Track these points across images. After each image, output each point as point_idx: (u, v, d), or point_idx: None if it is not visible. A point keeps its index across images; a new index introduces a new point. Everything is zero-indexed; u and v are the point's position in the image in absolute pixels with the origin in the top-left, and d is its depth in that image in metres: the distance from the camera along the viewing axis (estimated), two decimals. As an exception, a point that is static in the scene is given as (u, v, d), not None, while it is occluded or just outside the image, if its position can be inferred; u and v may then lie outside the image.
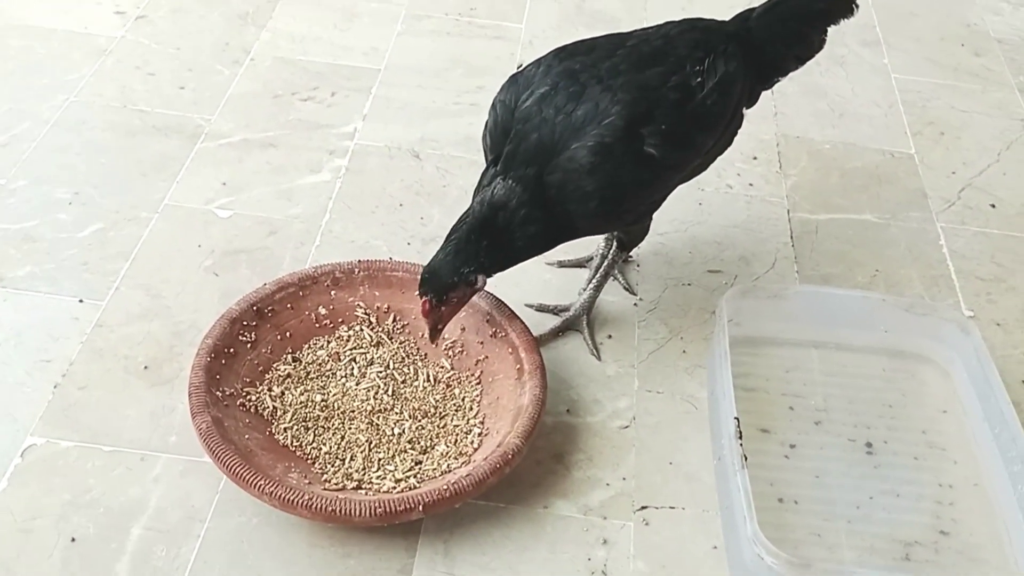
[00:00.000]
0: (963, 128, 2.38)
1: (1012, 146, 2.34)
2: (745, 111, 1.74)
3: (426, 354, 1.70)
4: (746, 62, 1.65)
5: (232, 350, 1.62)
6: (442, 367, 1.68)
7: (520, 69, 1.67)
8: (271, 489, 1.41)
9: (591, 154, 1.52)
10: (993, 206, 2.17)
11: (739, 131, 1.76)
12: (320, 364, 1.67)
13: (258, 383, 1.62)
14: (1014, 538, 1.49)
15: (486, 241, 1.54)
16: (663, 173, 1.62)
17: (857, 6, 1.77)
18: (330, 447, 1.55)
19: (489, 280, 1.62)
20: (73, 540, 1.44)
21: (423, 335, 1.71)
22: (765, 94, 2.29)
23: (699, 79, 1.59)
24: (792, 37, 1.74)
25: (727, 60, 1.62)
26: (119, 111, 2.21)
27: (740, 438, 1.47)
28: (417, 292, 1.57)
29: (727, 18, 1.76)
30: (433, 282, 1.55)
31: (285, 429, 1.57)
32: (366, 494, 1.48)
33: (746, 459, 1.44)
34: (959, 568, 1.48)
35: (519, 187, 1.54)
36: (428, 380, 1.66)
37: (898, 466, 1.60)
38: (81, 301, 1.79)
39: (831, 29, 1.80)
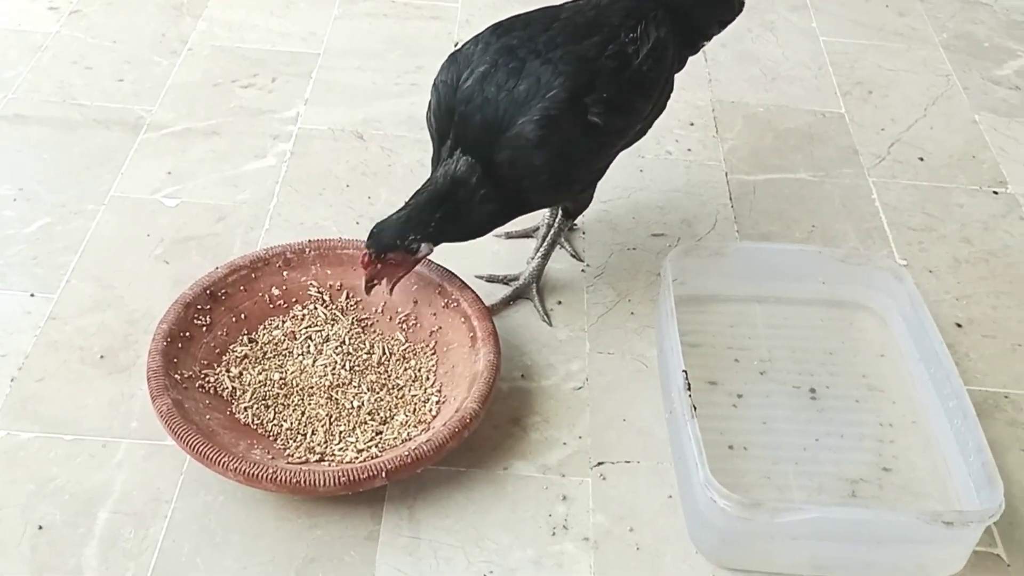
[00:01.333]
0: (890, 86, 2.46)
1: (937, 101, 2.42)
2: (676, 75, 1.79)
3: (381, 329, 1.73)
4: (674, 27, 1.70)
5: (188, 334, 1.64)
6: (397, 340, 1.72)
7: (458, 47, 1.70)
8: (235, 465, 1.43)
9: (538, 127, 1.56)
10: (921, 159, 2.25)
11: (672, 96, 1.80)
12: (276, 344, 1.70)
13: (216, 365, 1.64)
14: (952, 470, 1.56)
15: (440, 213, 1.58)
16: (608, 140, 1.67)
17: None
18: (291, 423, 1.58)
19: (439, 253, 1.66)
20: (40, 528, 1.46)
21: (377, 310, 1.74)
22: (700, 62, 2.35)
23: (634, 47, 1.64)
24: (715, 1, 1.78)
25: (658, 26, 1.66)
26: (59, 106, 2.21)
27: (689, 390, 1.52)
28: (365, 244, 1.61)
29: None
30: (377, 238, 1.59)
31: (245, 408, 1.59)
32: (329, 465, 1.51)
33: (695, 409, 1.49)
34: (903, 501, 1.54)
35: (478, 164, 1.58)
36: (384, 353, 1.69)
37: (841, 409, 1.67)
38: (32, 295, 1.79)
39: (759, -6, 1.85)
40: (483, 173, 1.57)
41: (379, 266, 1.61)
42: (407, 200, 1.61)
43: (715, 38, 1.85)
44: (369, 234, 1.59)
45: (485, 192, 1.58)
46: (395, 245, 1.58)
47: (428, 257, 1.65)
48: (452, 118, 1.61)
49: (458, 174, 1.58)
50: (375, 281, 1.63)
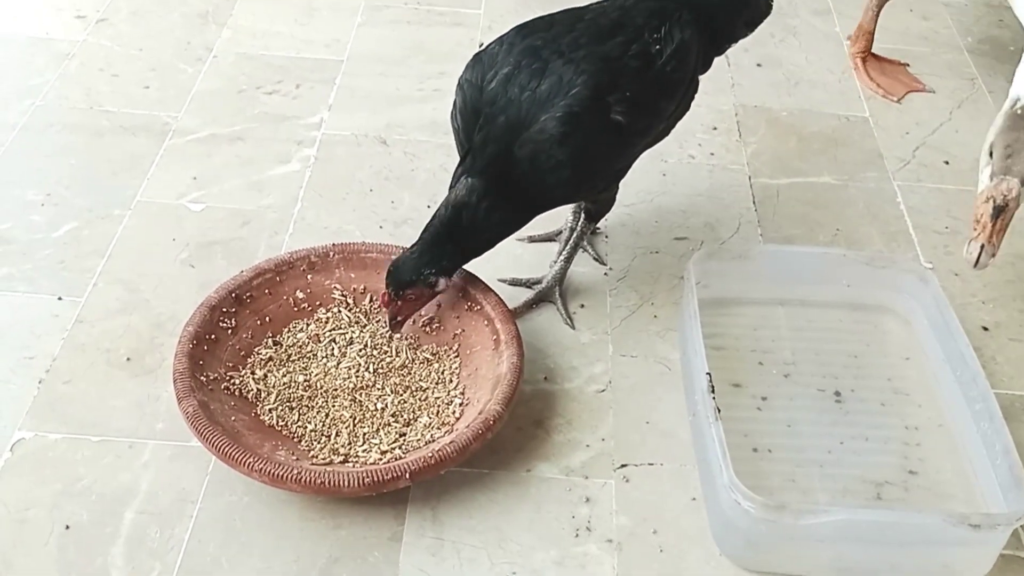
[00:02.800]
0: (915, 90, 2.45)
1: (963, 104, 2.41)
2: (700, 77, 1.79)
3: (404, 332, 1.74)
4: (699, 29, 1.70)
5: (213, 336, 1.65)
6: (420, 342, 1.72)
7: (483, 48, 1.71)
8: (260, 466, 1.44)
9: (561, 124, 1.56)
10: (947, 163, 2.24)
11: (696, 97, 1.80)
12: (301, 346, 1.70)
13: (241, 367, 1.65)
14: (979, 473, 1.54)
15: (451, 245, 1.61)
16: (630, 139, 1.67)
17: None
18: (315, 425, 1.59)
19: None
20: (67, 527, 1.47)
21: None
22: (722, 66, 2.35)
23: (658, 47, 1.64)
24: (740, 2, 1.78)
25: (682, 27, 1.67)
26: (86, 113, 2.23)
27: (712, 392, 1.52)
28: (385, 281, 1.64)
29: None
30: (395, 276, 1.62)
31: (270, 410, 1.60)
32: (353, 466, 1.51)
33: (719, 412, 1.49)
34: (929, 504, 1.53)
35: (479, 181, 1.59)
36: (407, 356, 1.70)
37: (866, 412, 1.66)
38: (60, 299, 1.81)
39: (783, 0, 1.85)
40: (484, 184, 1.58)
41: (400, 303, 1.64)
42: (420, 233, 1.63)
43: (738, 43, 1.85)
44: (387, 273, 1.63)
45: (488, 204, 1.59)
46: (412, 281, 1.62)
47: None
48: (478, 118, 1.62)
49: (458, 200, 1.59)
50: (399, 317, 1.66)
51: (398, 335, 1.71)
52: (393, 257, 1.70)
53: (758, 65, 2.49)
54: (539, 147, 1.58)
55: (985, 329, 1.85)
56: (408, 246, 1.65)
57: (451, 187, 1.64)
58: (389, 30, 2.55)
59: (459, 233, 1.61)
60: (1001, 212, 1.59)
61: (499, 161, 1.59)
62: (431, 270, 1.62)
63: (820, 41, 2.59)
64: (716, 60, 1.84)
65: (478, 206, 1.59)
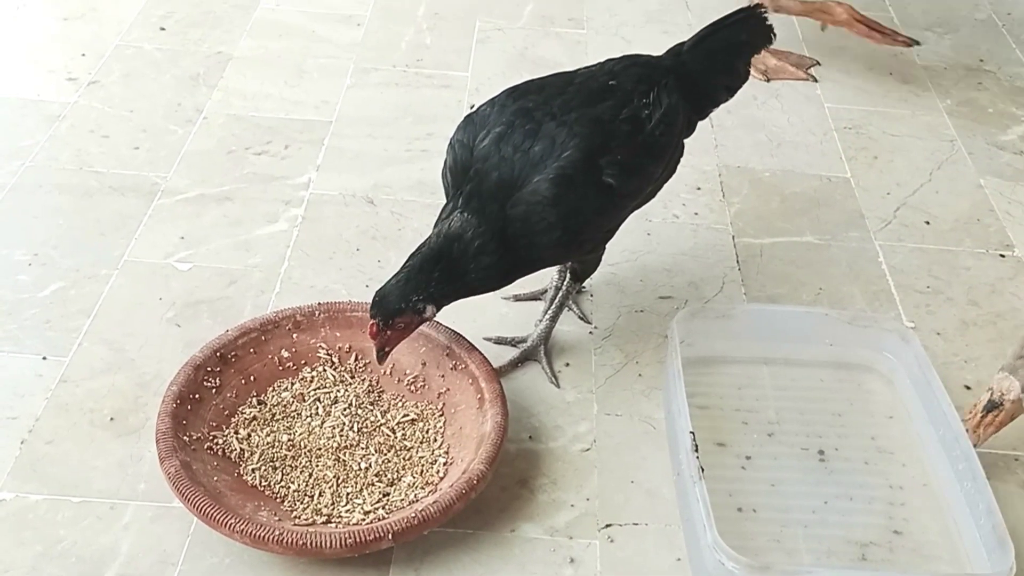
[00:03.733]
0: (895, 151, 2.49)
1: (943, 165, 2.45)
2: (685, 141, 1.82)
3: (389, 391, 1.74)
4: (683, 94, 1.74)
5: (197, 396, 1.65)
6: (405, 401, 1.72)
7: (474, 109, 1.73)
8: (242, 527, 1.43)
9: (553, 185, 1.59)
10: (928, 223, 2.26)
11: (681, 160, 1.83)
12: (285, 405, 1.70)
13: (224, 427, 1.65)
14: (964, 533, 1.54)
15: (438, 272, 1.59)
16: (620, 201, 1.70)
17: (775, 35, 1.87)
18: (298, 485, 1.58)
19: (447, 315, 1.67)
20: (46, 590, 1.46)
21: (385, 372, 1.75)
22: (706, 128, 2.39)
23: (647, 111, 1.67)
24: (721, 68, 1.83)
25: (669, 92, 1.71)
26: (75, 173, 2.25)
27: (696, 451, 1.52)
28: (369, 313, 1.61)
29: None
30: (382, 306, 1.60)
31: (253, 470, 1.60)
32: (336, 527, 1.50)
33: (703, 471, 1.49)
34: (914, 565, 1.53)
35: (475, 218, 1.59)
36: (392, 415, 1.70)
37: (850, 471, 1.66)
38: (44, 358, 1.81)
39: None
40: (483, 226, 1.58)
41: (388, 333, 1.62)
42: (403, 263, 1.61)
43: (722, 105, 1.89)
44: (372, 303, 1.60)
45: (480, 244, 1.58)
46: (401, 309, 1.59)
47: (435, 319, 1.66)
48: (466, 176, 1.64)
49: (451, 231, 1.59)
50: (386, 348, 1.64)
51: (383, 368, 1.70)
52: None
53: (741, 126, 2.52)
54: (531, 208, 1.59)
55: (968, 388, 1.86)
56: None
57: (440, 220, 1.63)
58: (378, 92, 2.59)
59: (447, 263, 1.59)
60: (994, 408, 1.60)
61: (495, 213, 1.60)
62: (419, 296, 1.59)
63: (802, 103, 2.64)
64: (700, 123, 1.87)
65: (471, 242, 1.58)
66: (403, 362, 1.74)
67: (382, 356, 1.65)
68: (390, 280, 1.61)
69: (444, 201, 1.68)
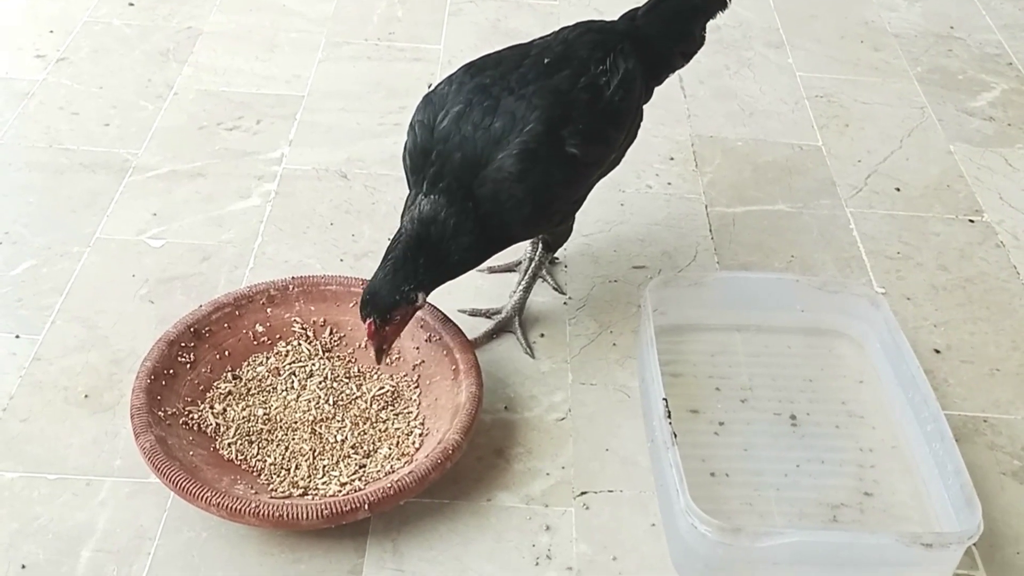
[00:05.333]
0: (866, 119, 2.50)
1: (913, 132, 2.46)
2: (657, 109, 1.82)
3: (364, 363, 1.75)
4: (639, 58, 1.73)
5: (171, 371, 1.65)
6: (380, 374, 1.73)
7: (432, 88, 1.72)
8: (218, 500, 1.44)
9: (518, 161, 1.58)
10: (898, 190, 2.28)
11: (651, 130, 1.83)
12: (260, 380, 1.71)
13: (200, 401, 1.65)
14: (932, 493, 1.57)
15: (422, 258, 1.58)
16: (585, 170, 1.70)
17: (729, 1, 1.84)
18: (275, 458, 1.59)
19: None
20: (23, 567, 1.46)
21: (360, 345, 1.75)
22: (679, 98, 2.39)
23: (605, 78, 1.67)
24: (676, 34, 1.82)
25: (626, 58, 1.70)
26: (45, 151, 2.23)
27: (669, 417, 1.53)
28: (361, 315, 1.59)
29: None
30: (375, 303, 1.57)
31: (229, 444, 1.60)
32: (312, 499, 1.51)
33: (676, 437, 1.50)
34: (884, 525, 1.55)
35: (443, 199, 1.59)
36: (367, 387, 1.70)
37: (821, 435, 1.68)
38: (17, 337, 1.80)
39: (737, 34, 1.88)
40: (453, 207, 1.57)
41: (386, 329, 1.59)
42: (383, 257, 1.60)
43: (694, 75, 1.89)
44: (363, 303, 1.58)
45: (456, 223, 1.57)
46: (396, 302, 1.57)
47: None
48: (428, 157, 1.63)
49: (424, 215, 1.57)
50: (384, 347, 1.62)
51: (355, 337, 1.69)
52: (353, 289, 1.70)
53: (713, 96, 2.53)
54: (499, 186, 1.59)
55: (937, 352, 1.89)
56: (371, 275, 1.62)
57: (407, 209, 1.63)
58: (350, 66, 2.57)
59: (429, 247, 1.57)
60: None
61: (462, 193, 1.59)
62: (409, 285, 1.57)
63: (774, 73, 2.64)
64: (673, 92, 1.87)
65: (446, 222, 1.57)
66: (378, 335, 1.75)
67: (381, 355, 1.63)
68: (375, 276, 1.59)
69: (417, 175, 1.68)
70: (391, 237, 1.61)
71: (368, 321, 1.58)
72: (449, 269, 1.64)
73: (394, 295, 1.57)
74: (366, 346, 1.70)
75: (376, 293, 1.58)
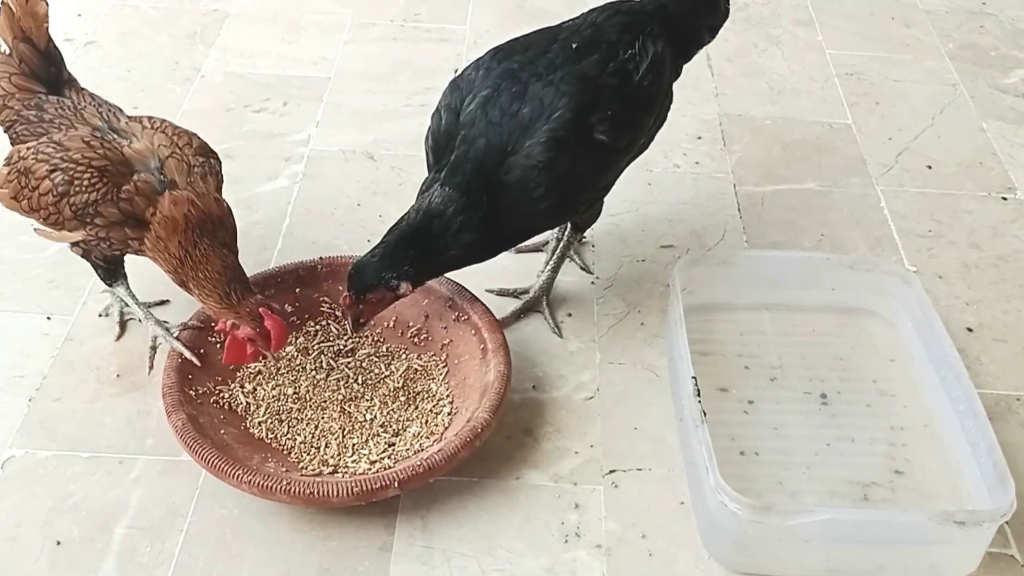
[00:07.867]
0: (897, 96, 2.47)
1: (945, 110, 2.43)
2: (684, 88, 1.81)
3: (393, 343, 1.75)
4: (667, 38, 1.72)
5: (203, 351, 1.66)
6: (409, 353, 1.73)
7: (459, 73, 1.71)
8: (250, 478, 1.45)
9: (546, 149, 1.57)
10: (929, 167, 2.26)
11: (679, 110, 1.82)
12: (290, 359, 1.71)
13: (230, 381, 1.66)
14: (964, 471, 1.55)
15: (414, 250, 1.58)
16: (615, 156, 1.68)
17: None
18: (304, 436, 1.60)
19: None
20: (59, 543, 1.48)
21: (388, 324, 1.76)
22: (707, 77, 2.36)
23: (634, 63, 1.65)
24: (703, 7, 1.80)
25: (655, 40, 1.68)
26: (75, 134, 2.24)
27: (698, 395, 1.53)
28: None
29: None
30: (355, 279, 1.59)
31: (260, 423, 1.61)
32: (343, 476, 1.52)
33: (705, 415, 1.50)
34: (915, 503, 1.54)
35: (457, 193, 1.57)
36: (396, 367, 1.71)
37: (852, 414, 1.67)
38: (49, 318, 1.82)
39: (766, 11, 1.85)
40: (465, 200, 1.56)
41: (361, 306, 1.61)
42: (383, 236, 1.60)
43: (722, 54, 1.87)
44: (348, 275, 1.60)
45: (463, 220, 1.56)
46: (373, 285, 1.59)
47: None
48: (452, 141, 1.62)
49: (432, 207, 1.57)
50: (361, 320, 1.64)
51: (361, 336, 1.71)
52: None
53: (741, 75, 2.51)
54: (526, 173, 1.57)
55: (969, 330, 1.87)
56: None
57: (420, 194, 1.62)
58: (376, 47, 2.57)
59: (425, 241, 1.58)
60: None
61: (482, 183, 1.58)
62: (392, 274, 1.58)
63: (803, 51, 2.62)
64: (700, 71, 1.86)
65: (452, 219, 1.57)
66: (406, 315, 1.75)
67: (356, 326, 1.64)
68: (368, 253, 1.60)
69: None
70: (391, 226, 1.61)
71: (345, 294, 1.60)
72: (443, 264, 1.63)
73: (375, 279, 1.58)
74: (344, 313, 1.71)
75: (360, 270, 1.59)
